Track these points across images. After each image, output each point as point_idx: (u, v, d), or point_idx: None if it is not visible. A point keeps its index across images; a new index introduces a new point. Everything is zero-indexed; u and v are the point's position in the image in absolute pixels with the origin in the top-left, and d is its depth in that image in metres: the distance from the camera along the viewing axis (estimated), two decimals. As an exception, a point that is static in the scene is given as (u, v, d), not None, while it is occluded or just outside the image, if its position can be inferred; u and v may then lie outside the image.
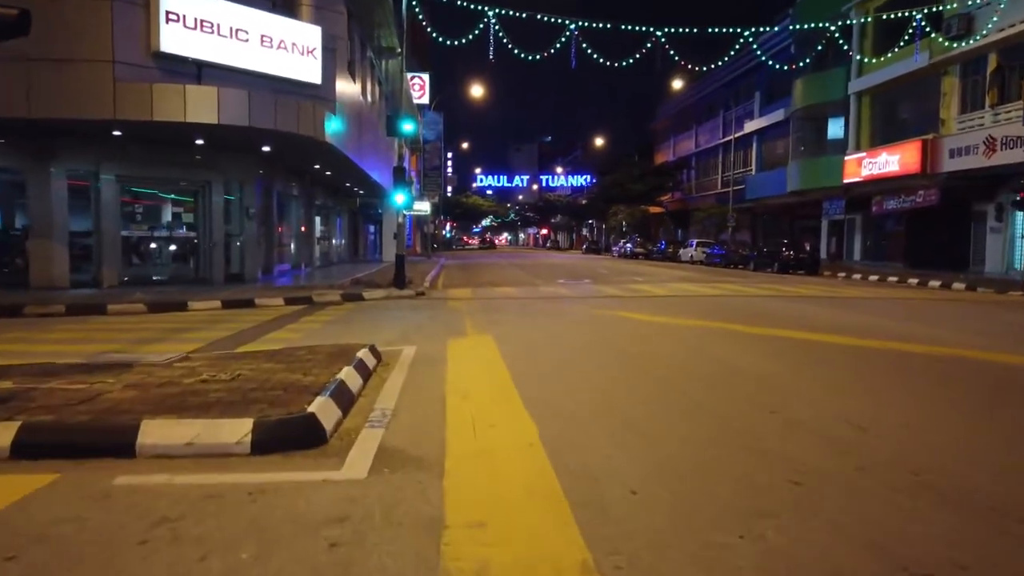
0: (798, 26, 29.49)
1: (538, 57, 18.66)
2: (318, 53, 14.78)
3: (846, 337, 8.59)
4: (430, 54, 43.64)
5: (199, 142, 14.67)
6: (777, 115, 35.04)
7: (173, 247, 16.84)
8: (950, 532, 2.85)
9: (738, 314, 11.25)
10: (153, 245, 16.72)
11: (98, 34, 12.10)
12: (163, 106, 12.19)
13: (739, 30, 18.69)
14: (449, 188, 73.63)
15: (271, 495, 3.25)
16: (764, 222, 39.75)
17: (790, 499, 3.21)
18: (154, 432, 3.83)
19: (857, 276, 24.04)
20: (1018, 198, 19.49)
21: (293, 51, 14.31)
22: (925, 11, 21.29)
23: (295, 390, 4.68)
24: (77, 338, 8.63)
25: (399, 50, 20.61)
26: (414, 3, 18.01)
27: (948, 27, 22.57)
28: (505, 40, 18.49)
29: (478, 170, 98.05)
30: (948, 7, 21.92)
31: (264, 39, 13.85)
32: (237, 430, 3.86)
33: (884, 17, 23.67)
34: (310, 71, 14.69)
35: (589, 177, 71.68)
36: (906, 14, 21.83)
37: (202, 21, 12.98)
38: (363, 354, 6.28)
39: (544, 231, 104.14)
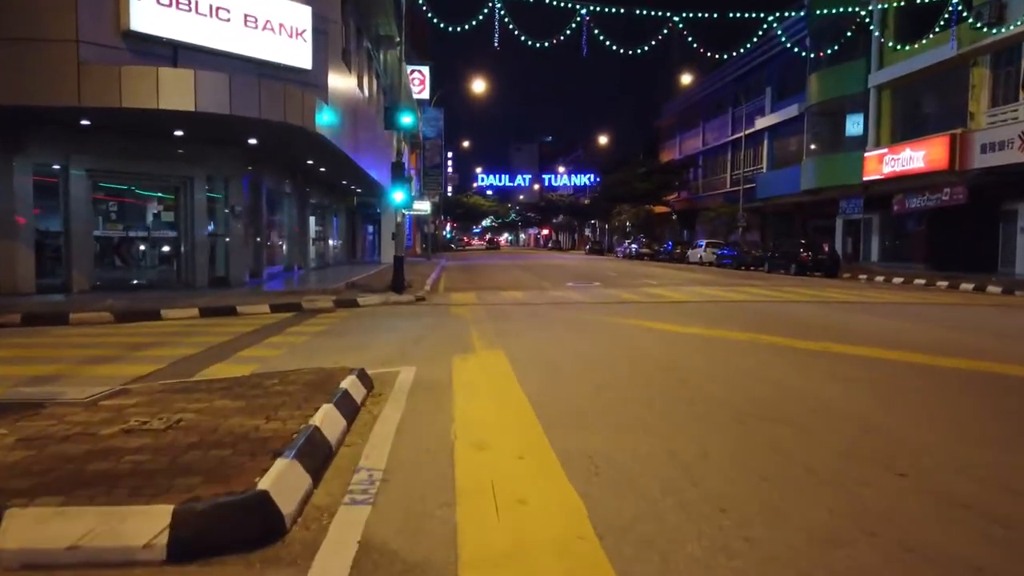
0: (817, 11, 28.18)
1: (546, 44, 17.37)
2: (308, 36, 13.51)
3: (914, 354, 7.33)
4: (431, 47, 42.34)
5: (178, 133, 13.41)
6: (790, 111, 33.75)
7: (152, 248, 15.56)
8: None
9: (778, 324, 9.98)
10: (137, 246, 15.45)
11: (60, 10, 10.83)
12: (133, 91, 10.91)
13: (762, 14, 17.41)
14: (450, 188, 72.35)
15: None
16: (774, 222, 38.45)
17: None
18: (22, 529, 2.56)
19: (880, 278, 22.77)
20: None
21: (280, 33, 13.04)
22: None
23: (249, 447, 3.41)
24: (16, 356, 7.36)
25: (398, 39, 19.37)
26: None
27: (979, 15, 21.31)
28: (511, 26, 17.24)
29: (479, 169, 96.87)
30: (979, -6, 20.68)
31: (248, 19, 12.58)
32: (148, 524, 2.59)
33: (906, 5, 22.40)
34: (299, 55, 13.42)
35: (592, 176, 70.38)
36: (933, 1, 20.60)
37: (178, -2, 11.72)
38: (349, 383, 5.01)
39: (545, 231, 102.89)
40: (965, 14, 20.89)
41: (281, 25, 13.04)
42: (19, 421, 3.85)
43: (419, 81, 36.00)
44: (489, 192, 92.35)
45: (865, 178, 27.30)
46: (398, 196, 16.17)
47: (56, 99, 10.80)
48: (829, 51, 27.62)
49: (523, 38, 16.99)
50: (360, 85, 20.59)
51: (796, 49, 33.01)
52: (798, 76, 33.55)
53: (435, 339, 8.60)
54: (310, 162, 18.59)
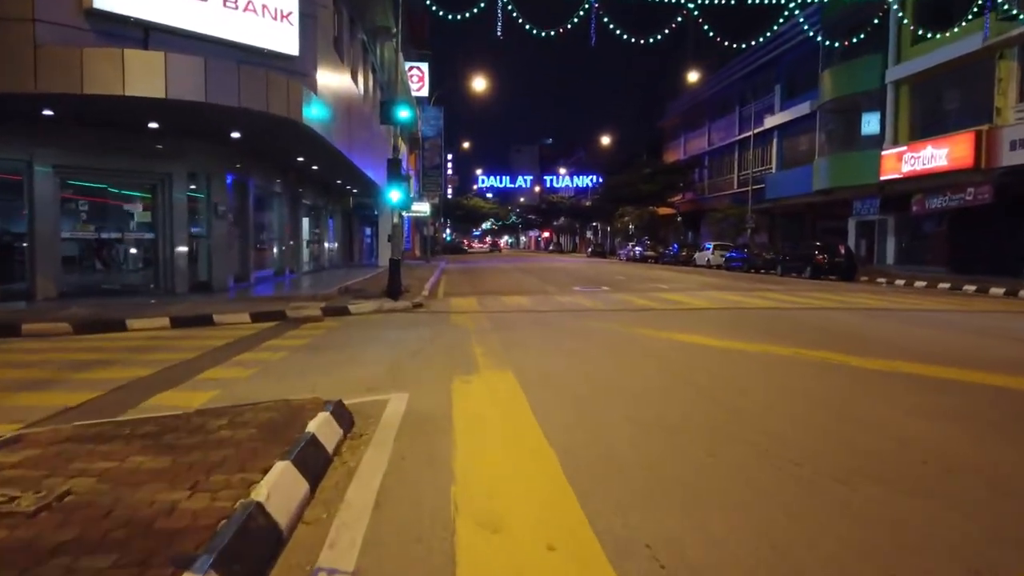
0: (835, 1, 27.02)
1: (552, 33, 16.24)
2: (295, 19, 12.38)
3: (999, 375, 6.19)
4: (431, 41, 41.18)
5: (153, 126, 12.27)
6: (801, 109, 32.61)
7: (126, 251, 14.41)
8: None
9: (819, 335, 8.83)
10: (117, 249, 14.30)
11: (15, -14, 9.70)
12: (96, 76, 9.77)
13: (780, 1, 16.31)
14: (450, 189, 71.20)
15: None
16: (783, 223, 37.31)
17: None
18: None
19: (900, 282, 21.63)
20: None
21: (264, 15, 11.91)
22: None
23: (145, 548, 2.26)
24: (-65, 379, 6.22)
25: (394, 30, 18.26)
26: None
27: (1006, 4, 20.21)
28: (515, 13, 16.13)
29: (479, 171, 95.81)
30: (1008, -18, 19.59)
31: (228, -1, 11.45)
32: None
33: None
34: (285, 40, 12.29)
35: (595, 178, 69.26)
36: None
37: (150, -25, 10.60)
38: (319, 424, 3.87)
39: (546, 234, 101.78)
40: (997, 1, 19.77)
41: (264, 6, 11.90)
42: None
43: (418, 78, 34.84)
44: (489, 195, 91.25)
45: (882, 177, 26.17)
46: (394, 195, 15.05)
47: (9, 85, 9.65)
48: (844, 46, 26.53)
49: (527, 26, 15.86)
50: (355, 78, 19.48)
51: (809, 44, 32.04)
52: (809, 73, 32.46)
53: (433, 355, 7.45)
54: (301, 159, 17.46)
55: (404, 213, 30.24)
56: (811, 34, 25.67)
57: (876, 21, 24.21)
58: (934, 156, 23.50)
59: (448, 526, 2.91)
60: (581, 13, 16.03)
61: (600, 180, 65.41)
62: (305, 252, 24.01)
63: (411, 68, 34.11)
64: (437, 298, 15.37)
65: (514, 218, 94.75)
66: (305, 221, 24.06)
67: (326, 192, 26.10)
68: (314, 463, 3.44)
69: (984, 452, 3.99)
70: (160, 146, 13.41)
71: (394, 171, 15.09)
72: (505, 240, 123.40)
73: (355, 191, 26.92)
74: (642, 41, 16.35)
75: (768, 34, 21.89)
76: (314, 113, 12.57)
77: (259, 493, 2.74)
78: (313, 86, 12.80)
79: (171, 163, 13.66)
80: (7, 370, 6.55)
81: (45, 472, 3.01)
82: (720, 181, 44.51)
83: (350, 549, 2.68)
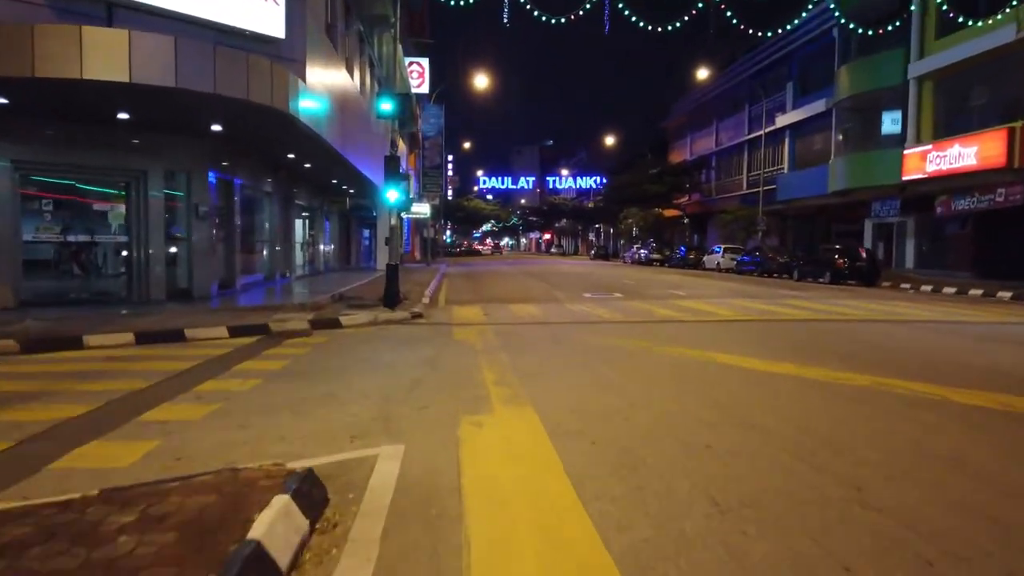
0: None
1: (562, 20, 15.02)
2: (281, -1, 11.17)
3: None
4: (432, 34, 39.95)
5: (123, 116, 11.03)
6: (816, 106, 31.36)
7: (97, 256, 13.18)
8: None
9: (890, 358, 7.59)
10: (94, 253, 13.08)
11: (-44, -47, 8.48)
12: (50, 57, 8.54)
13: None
14: (450, 190, 69.94)
15: None
16: (795, 226, 36.07)
17: None
18: None
19: (927, 288, 20.42)
20: None
21: (246, -8, 10.69)
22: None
23: None
24: None
25: (393, 19, 17.04)
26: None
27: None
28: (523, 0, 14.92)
29: (480, 172, 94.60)
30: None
31: (205, -26, 10.23)
32: None
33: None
34: (269, 21, 11.07)
35: (599, 179, 68.07)
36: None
37: (116, -54, 9.37)
38: (270, 523, 2.63)
39: (547, 236, 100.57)
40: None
41: (247, -17, 10.69)
42: None
43: (418, 74, 33.58)
44: (489, 196, 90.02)
45: (904, 177, 24.93)
46: (392, 195, 13.85)
47: (-51, 66, 8.43)
48: (862, 40, 25.33)
49: (536, 12, 14.64)
50: (350, 71, 18.26)
51: (823, 39, 30.84)
52: (824, 69, 31.26)
53: (434, 385, 6.21)
54: (291, 156, 16.22)
55: (403, 215, 29.03)
56: (827, 28, 24.44)
57: (899, 19, 22.99)
58: (962, 155, 22.27)
59: None
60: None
61: (604, 181, 64.25)
62: (299, 255, 22.77)
63: (411, 63, 32.89)
64: (438, 306, 14.15)
65: (515, 220, 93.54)
66: (299, 223, 22.83)
67: (322, 192, 24.87)
68: (254, 600, 2.20)
69: None
70: (136, 141, 12.18)
71: (392, 169, 13.88)
72: (505, 242, 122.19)
73: (352, 192, 25.68)
74: (659, 29, 15.11)
75: (780, 30, 20.47)
76: (303, 103, 11.34)
77: None
78: (301, 73, 11.57)
79: (146, 159, 12.43)
80: (-92, 407, 5.32)
81: None
82: (728, 182, 43.28)
83: None
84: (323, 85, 13.43)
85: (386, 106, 13.16)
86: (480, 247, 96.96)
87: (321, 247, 26.42)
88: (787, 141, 35.67)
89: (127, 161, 12.32)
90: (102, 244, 13.10)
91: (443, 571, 2.65)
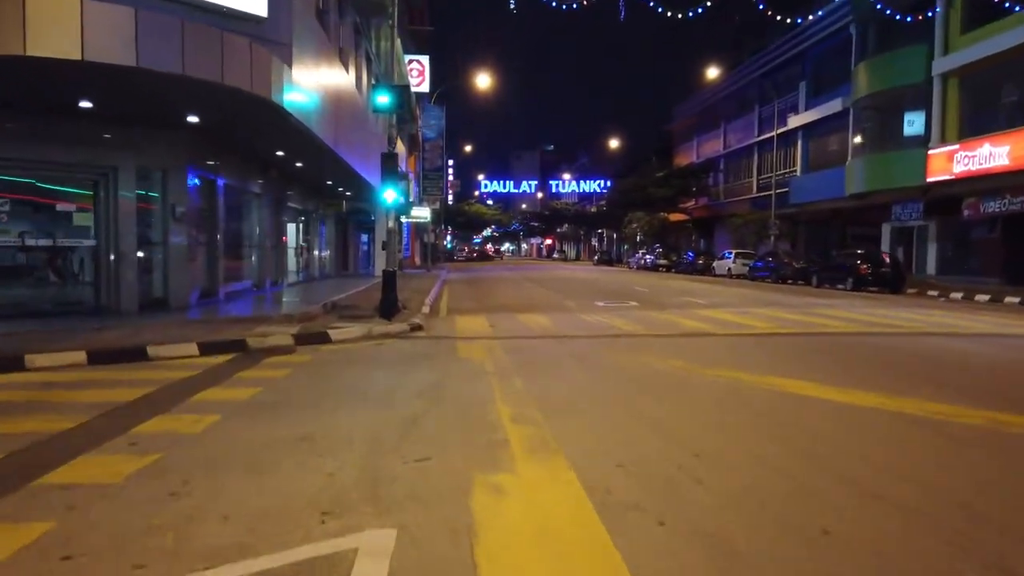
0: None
1: (573, 6, 13.83)
2: (263, -28, 9.94)
3: None
4: (431, 30, 38.74)
5: (86, 105, 9.80)
6: (832, 106, 30.17)
7: (73, 262, 11.92)
8: None
9: (988, 383, 6.34)
10: (78, 260, 11.82)
11: None
12: (-13, 30, 7.31)
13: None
14: (451, 194, 68.76)
15: None
16: (808, 230, 34.82)
17: None
18: None
19: (957, 295, 19.18)
20: None
21: (222, -36, 9.47)
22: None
23: None
24: None
25: (390, 8, 15.85)
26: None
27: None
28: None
29: (481, 176, 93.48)
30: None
31: (176, -58, 9.00)
32: None
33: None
34: (251, -2, 9.84)
35: (602, 182, 66.91)
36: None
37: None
38: None
39: (548, 241, 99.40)
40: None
41: (224, -46, 9.47)
42: None
43: (418, 72, 32.40)
44: (490, 201, 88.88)
45: (929, 179, 23.72)
46: (389, 195, 12.66)
47: None
48: (882, 36, 24.18)
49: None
50: (345, 64, 17.05)
51: (838, 36, 29.68)
52: (838, 68, 30.10)
53: (437, 423, 4.94)
54: (280, 153, 14.99)
55: (403, 218, 27.63)
56: (844, 25, 23.28)
57: (922, 13, 21.82)
58: (992, 155, 21.07)
59: None
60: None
61: (607, 185, 63.09)
62: (292, 261, 21.53)
63: (411, 61, 31.73)
64: (439, 316, 12.91)
65: (516, 225, 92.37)
66: (292, 227, 21.60)
67: (316, 194, 23.64)
68: None
69: None
70: (108, 136, 10.95)
71: (389, 167, 12.68)
72: (506, 247, 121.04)
73: (349, 194, 24.46)
74: (679, 16, 13.91)
75: (799, 20, 19.29)
76: (288, 91, 10.11)
77: None
78: (287, 58, 10.35)
79: (116, 155, 11.19)
80: None
81: None
82: (737, 185, 42.08)
83: None
84: (313, 74, 12.22)
85: (383, 99, 11.98)
86: (491, 251, 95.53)
87: (316, 252, 25.17)
88: (800, 142, 34.48)
89: (94, 157, 11.07)
90: (79, 250, 11.85)
91: None
